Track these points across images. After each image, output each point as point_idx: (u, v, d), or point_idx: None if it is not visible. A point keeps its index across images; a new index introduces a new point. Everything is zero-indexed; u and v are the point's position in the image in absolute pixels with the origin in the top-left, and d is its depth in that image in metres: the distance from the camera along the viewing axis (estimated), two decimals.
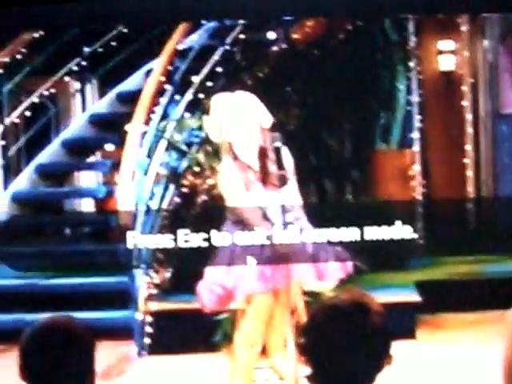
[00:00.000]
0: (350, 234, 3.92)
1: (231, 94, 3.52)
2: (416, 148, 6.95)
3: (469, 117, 7.17)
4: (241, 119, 3.42)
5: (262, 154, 3.39)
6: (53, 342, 1.68)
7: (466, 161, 7.15)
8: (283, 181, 3.43)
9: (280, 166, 3.42)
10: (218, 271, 3.47)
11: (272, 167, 3.40)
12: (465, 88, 7.17)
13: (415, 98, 6.96)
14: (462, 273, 5.72)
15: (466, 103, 7.16)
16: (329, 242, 3.52)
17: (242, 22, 5.84)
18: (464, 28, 7.11)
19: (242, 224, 3.44)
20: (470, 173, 7.16)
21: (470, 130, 7.18)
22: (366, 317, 1.63)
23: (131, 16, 4.37)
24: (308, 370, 1.64)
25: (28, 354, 1.69)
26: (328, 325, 1.61)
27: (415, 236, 5.31)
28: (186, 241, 3.94)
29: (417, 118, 6.97)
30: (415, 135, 6.95)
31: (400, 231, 4.08)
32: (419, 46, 6.98)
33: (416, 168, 6.89)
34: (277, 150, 3.43)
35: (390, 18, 6.46)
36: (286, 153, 3.52)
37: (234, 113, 3.42)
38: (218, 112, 3.46)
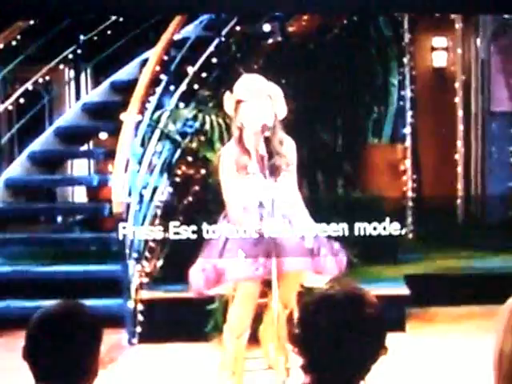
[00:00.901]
0: (340, 227, 3.95)
1: (260, 77, 3.51)
2: (407, 143, 7.00)
3: (460, 113, 7.23)
4: (260, 104, 3.41)
5: (268, 143, 3.39)
6: (62, 327, 1.69)
7: (456, 157, 7.22)
8: (281, 170, 3.43)
9: (281, 155, 3.43)
10: (210, 254, 3.48)
11: (274, 156, 3.40)
12: (457, 85, 7.22)
13: (408, 94, 7.00)
14: (450, 267, 5.78)
15: (457, 100, 7.22)
16: (326, 237, 3.53)
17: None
18: (458, 26, 7.16)
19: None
20: (460, 169, 7.23)
21: (461, 126, 7.24)
22: (361, 308, 1.63)
23: (127, 6, 4.38)
24: (301, 361, 1.64)
25: (35, 337, 1.69)
26: (323, 316, 1.61)
27: (405, 230, 5.34)
28: (176, 233, 3.96)
29: (409, 113, 7.02)
30: (407, 130, 7.01)
31: (390, 225, 4.12)
32: (413, 43, 7.03)
33: (407, 163, 6.95)
34: (281, 140, 3.45)
35: (385, 16, 6.50)
36: (290, 144, 3.52)
37: (256, 96, 3.41)
38: (242, 90, 3.44)
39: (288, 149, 3.50)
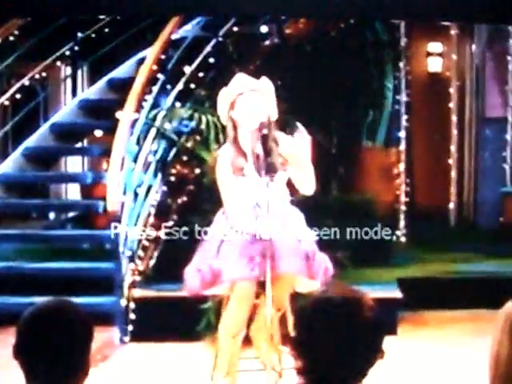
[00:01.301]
0: (334, 229, 3.96)
1: (253, 79, 3.51)
2: (402, 147, 7.03)
3: (454, 119, 7.27)
4: (255, 104, 3.40)
5: (263, 142, 3.38)
6: (52, 325, 1.67)
7: (450, 161, 7.25)
8: (277, 170, 3.42)
9: (277, 154, 3.42)
10: (206, 254, 3.47)
11: (269, 156, 3.38)
12: (451, 90, 7.26)
13: (403, 98, 7.03)
14: (443, 271, 5.80)
15: (452, 105, 7.26)
16: (316, 244, 3.52)
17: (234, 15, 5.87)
18: (453, 32, 7.21)
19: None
20: (453, 173, 7.27)
21: (454, 131, 7.28)
22: (359, 311, 1.62)
23: (125, 5, 4.38)
24: (298, 364, 1.61)
25: (26, 335, 1.67)
26: (320, 319, 1.60)
27: (398, 233, 5.34)
28: (169, 233, 3.95)
29: (404, 117, 7.05)
30: (401, 134, 7.04)
31: (383, 229, 4.13)
32: (409, 47, 7.06)
33: (401, 166, 6.98)
34: (276, 139, 3.44)
35: (382, 21, 6.52)
36: (287, 141, 3.50)
37: (251, 95, 3.41)
38: (237, 88, 3.43)
39: (284, 148, 3.48)
